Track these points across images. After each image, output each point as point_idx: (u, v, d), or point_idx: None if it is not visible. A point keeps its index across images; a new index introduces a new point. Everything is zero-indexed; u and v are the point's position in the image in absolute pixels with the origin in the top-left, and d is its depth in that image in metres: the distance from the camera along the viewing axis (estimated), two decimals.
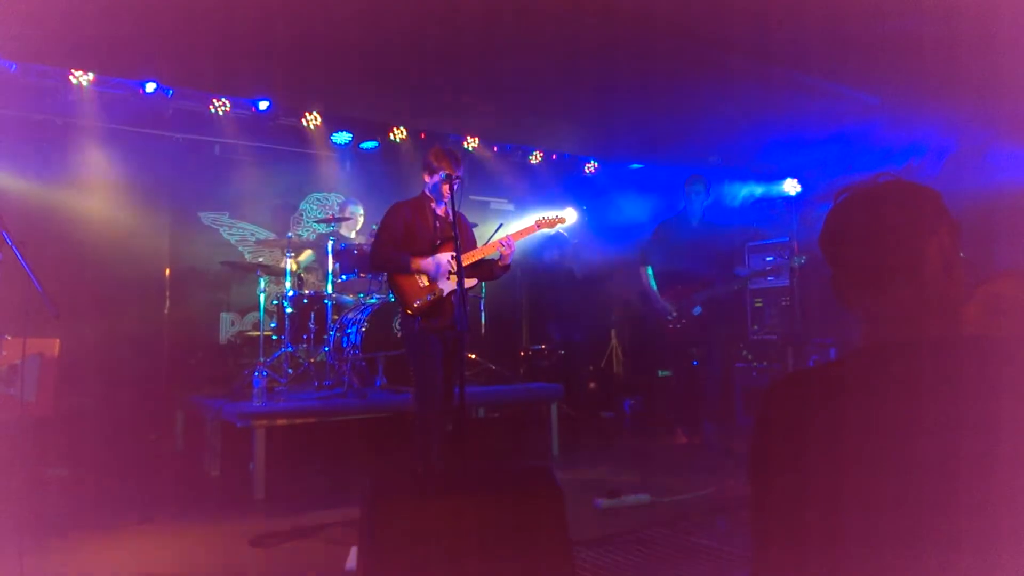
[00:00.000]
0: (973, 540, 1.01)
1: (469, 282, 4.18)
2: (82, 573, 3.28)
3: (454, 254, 3.87)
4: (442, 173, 4.05)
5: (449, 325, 4.01)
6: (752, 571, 1.17)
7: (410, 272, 4.08)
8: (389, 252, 4.10)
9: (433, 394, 4.04)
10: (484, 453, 4.14)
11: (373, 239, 4.17)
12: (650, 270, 5.95)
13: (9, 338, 3.46)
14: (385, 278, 4.22)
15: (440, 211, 4.24)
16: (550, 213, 4.44)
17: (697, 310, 5.71)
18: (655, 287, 5.90)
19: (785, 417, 1.18)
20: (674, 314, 5.76)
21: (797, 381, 1.24)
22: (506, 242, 4.11)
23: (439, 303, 4.06)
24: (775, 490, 1.16)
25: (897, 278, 1.21)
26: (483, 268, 4.25)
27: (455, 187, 3.91)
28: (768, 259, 7.47)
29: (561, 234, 7.82)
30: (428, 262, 4.09)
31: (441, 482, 2.48)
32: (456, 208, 3.88)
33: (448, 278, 4.06)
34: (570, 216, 7.99)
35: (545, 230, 4.42)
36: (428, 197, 4.23)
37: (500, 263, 4.20)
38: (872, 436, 1.08)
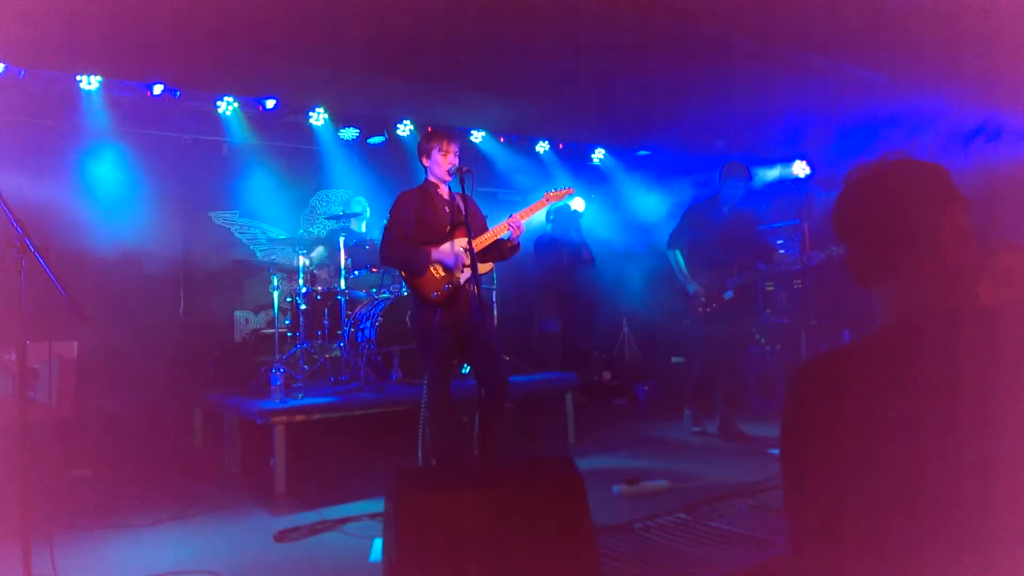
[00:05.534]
0: (975, 539, 1.04)
1: (485, 267, 4.18)
2: (109, 572, 3.33)
3: (466, 243, 3.89)
4: (439, 148, 4.08)
5: (466, 316, 4.00)
6: (788, 551, 1.19)
7: (426, 268, 4.02)
8: (402, 247, 4.03)
9: (445, 387, 4.04)
10: (501, 443, 4.17)
11: (383, 232, 4.14)
12: (679, 254, 5.87)
13: (29, 343, 3.50)
14: (398, 271, 4.22)
15: (447, 195, 4.22)
16: (559, 185, 4.45)
17: (728, 295, 5.66)
18: (685, 270, 5.82)
19: (813, 401, 1.19)
20: (704, 298, 5.70)
21: (824, 364, 1.25)
22: (513, 223, 4.09)
23: (456, 292, 4.02)
24: (808, 474, 1.17)
25: (916, 253, 1.24)
26: (495, 251, 4.21)
27: (465, 178, 3.91)
28: (780, 241, 7.45)
29: (573, 212, 7.83)
30: (443, 252, 4.03)
31: (465, 473, 2.51)
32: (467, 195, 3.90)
33: (464, 269, 4.04)
34: (580, 204, 8.04)
35: (556, 202, 4.43)
36: (433, 183, 4.19)
37: (509, 243, 4.18)
38: (904, 416, 1.09)
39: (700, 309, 5.74)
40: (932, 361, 1.13)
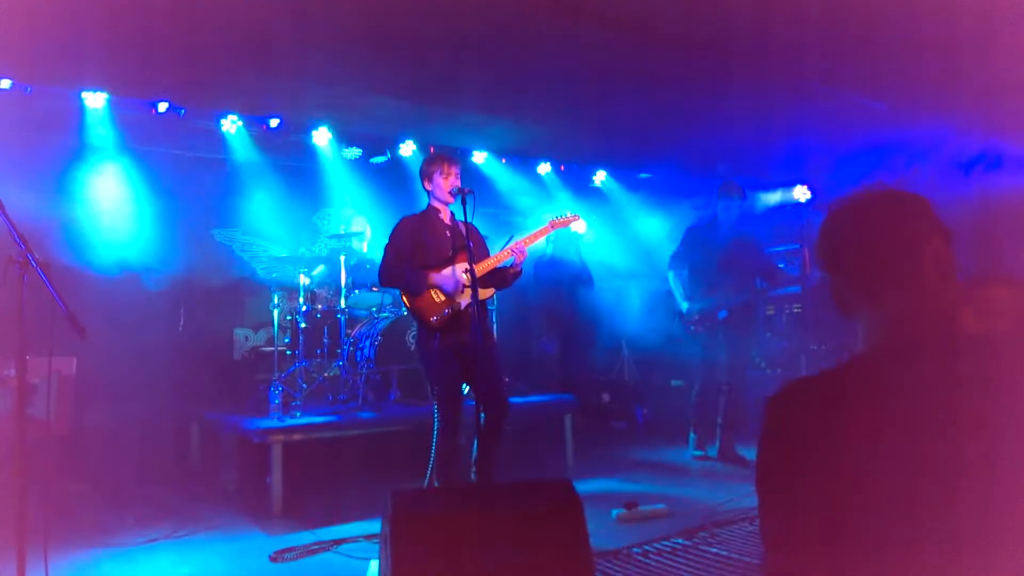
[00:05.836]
0: (975, 540, 1.04)
1: (486, 292, 4.18)
2: None
3: (467, 267, 3.88)
4: (440, 171, 4.09)
5: (467, 339, 3.97)
6: (778, 558, 1.19)
7: (424, 291, 4.01)
8: (399, 269, 4.04)
9: (454, 410, 4.01)
10: (499, 465, 4.16)
11: (382, 256, 4.15)
12: (676, 275, 5.86)
13: (29, 359, 3.50)
14: (399, 293, 4.21)
15: (449, 220, 4.22)
16: (563, 212, 4.44)
17: (723, 314, 5.64)
18: (683, 292, 5.80)
19: (788, 426, 1.21)
20: (697, 316, 5.67)
21: (799, 390, 1.25)
22: (517, 248, 4.08)
23: (457, 316, 4.01)
24: (782, 498, 1.19)
25: (895, 283, 1.26)
26: (497, 276, 4.19)
27: (467, 199, 3.90)
28: (780, 265, 7.47)
29: (573, 234, 7.85)
30: (443, 276, 4.02)
31: (463, 496, 2.49)
32: (469, 219, 3.90)
33: (464, 292, 4.03)
34: (581, 227, 8.06)
35: (559, 229, 4.43)
36: (435, 208, 4.20)
37: (512, 270, 4.16)
38: (874, 441, 1.10)
39: (694, 328, 5.72)
40: (930, 362, 1.15)
